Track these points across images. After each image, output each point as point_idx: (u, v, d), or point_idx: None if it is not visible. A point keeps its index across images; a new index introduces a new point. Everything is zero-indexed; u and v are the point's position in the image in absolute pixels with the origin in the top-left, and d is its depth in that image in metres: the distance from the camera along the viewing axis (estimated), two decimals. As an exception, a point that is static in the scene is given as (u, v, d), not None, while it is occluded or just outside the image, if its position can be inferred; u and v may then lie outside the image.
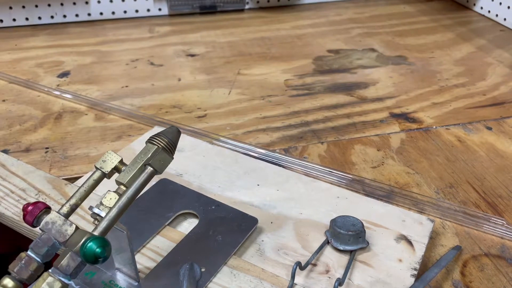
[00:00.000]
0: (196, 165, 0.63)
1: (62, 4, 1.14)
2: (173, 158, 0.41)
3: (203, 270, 0.46)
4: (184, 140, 0.67)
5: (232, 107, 0.81)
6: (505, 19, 1.13)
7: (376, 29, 1.14)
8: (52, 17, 1.14)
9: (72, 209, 0.38)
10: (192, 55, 1.00)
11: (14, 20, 1.12)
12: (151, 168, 0.39)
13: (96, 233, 0.36)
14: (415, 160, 0.66)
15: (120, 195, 0.38)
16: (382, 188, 0.61)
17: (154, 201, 0.55)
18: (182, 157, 0.64)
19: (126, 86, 0.87)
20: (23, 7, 1.12)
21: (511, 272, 0.49)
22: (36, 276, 0.35)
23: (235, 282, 0.46)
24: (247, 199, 0.57)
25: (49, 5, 1.13)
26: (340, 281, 0.43)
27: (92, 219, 0.38)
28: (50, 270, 0.35)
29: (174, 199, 0.56)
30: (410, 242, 0.50)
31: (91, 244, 0.34)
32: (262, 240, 0.51)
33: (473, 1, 1.23)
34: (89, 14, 1.16)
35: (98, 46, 1.04)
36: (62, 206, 0.38)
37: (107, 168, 0.40)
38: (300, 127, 0.74)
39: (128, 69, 0.94)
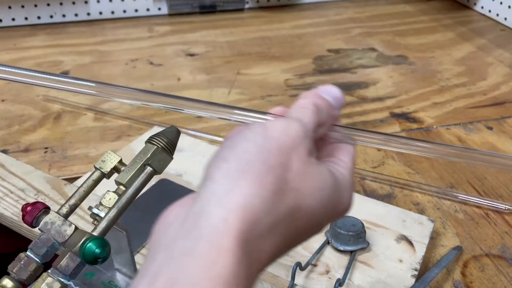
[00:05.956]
0: (196, 165, 0.63)
1: (61, 4, 1.13)
2: (172, 158, 0.40)
3: (203, 270, 0.46)
4: (184, 140, 0.67)
5: (232, 106, 0.80)
6: (505, 19, 1.13)
7: (376, 29, 1.13)
8: (51, 16, 1.14)
9: (72, 210, 0.38)
10: (192, 55, 1.00)
11: (13, 19, 1.12)
12: (151, 168, 0.39)
13: (95, 233, 0.36)
14: (415, 160, 0.66)
15: (120, 195, 0.38)
16: (383, 188, 0.60)
17: (154, 201, 0.55)
18: (182, 157, 0.64)
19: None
20: (22, 6, 1.12)
21: (511, 272, 0.49)
22: (35, 276, 0.35)
23: (235, 283, 0.45)
24: (247, 199, 0.57)
25: (48, 4, 1.13)
26: (340, 282, 0.43)
27: (91, 220, 0.38)
28: (49, 271, 0.35)
29: (174, 199, 0.55)
30: (410, 243, 0.50)
31: (90, 245, 0.34)
32: (262, 241, 0.51)
33: (474, 1, 1.23)
34: (88, 14, 1.16)
35: (97, 46, 1.04)
36: (62, 206, 0.37)
37: (107, 168, 0.39)
38: (300, 127, 0.74)
39: (128, 69, 0.94)
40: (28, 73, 0.39)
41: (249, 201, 0.25)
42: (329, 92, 0.32)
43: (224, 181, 0.26)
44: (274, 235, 0.25)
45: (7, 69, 0.39)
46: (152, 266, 0.24)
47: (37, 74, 0.39)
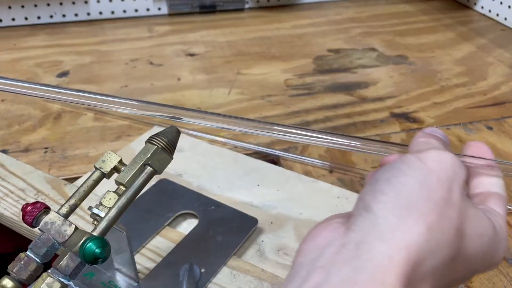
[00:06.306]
0: (196, 165, 0.63)
1: (61, 4, 1.13)
2: (172, 158, 0.40)
3: (202, 270, 0.46)
4: (184, 140, 0.67)
5: (232, 107, 0.80)
6: (505, 19, 1.13)
7: (376, 29, 1.13)
8: (51, 16, 1.14)
9: (72, 209, 0.38)
10: (192, 55, 1.00)
11: (13, 19, 1.12)
12: (151, 168, 0.39)
13: (95, 233, 0.36)
14: (415, 160, 0.66)
15: (120, 195, 0.38)
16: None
17: (154, 201, 0.55)
18: (182, 157, 0.64)
19: (126, 86, 0.87)
20: (22, 6, 1.12)
21: (511, 272, 0.49)
22: (35, 276, 0.35)
23: (235, 283, 0.45)
24: (247, 199, 0.57)
25: (48, 4, 1.13)
26: (340, 282, 0.43)
27: (91, 220, 0.38)
28: (49, 271, 0.35)
29: (173, 199, 0.56)
30: (410, 242, 0.50)
31: (90, 245, 0.34)
32: (262, 241, 0.51)
33: (474, 1, 1.23)
34: (88, 14, 1.16)
35: (97, 46, 1.04)
36: (62, 206, 0.37)
37: (107, 168, 0.39)
38: (300, 127, 0.74)
39: (128, 69, 0.94)
40: (26, 85, 0.39)
41: (415, 240, 0.24)
42: (435, 131, 0.31)
43: (387, 216, 0.25)
44: (433, 279, 0.24)
45: (6, 81, 0.39)
46: (306, 285, 0.24)
47: (34, 86, 0.39)
